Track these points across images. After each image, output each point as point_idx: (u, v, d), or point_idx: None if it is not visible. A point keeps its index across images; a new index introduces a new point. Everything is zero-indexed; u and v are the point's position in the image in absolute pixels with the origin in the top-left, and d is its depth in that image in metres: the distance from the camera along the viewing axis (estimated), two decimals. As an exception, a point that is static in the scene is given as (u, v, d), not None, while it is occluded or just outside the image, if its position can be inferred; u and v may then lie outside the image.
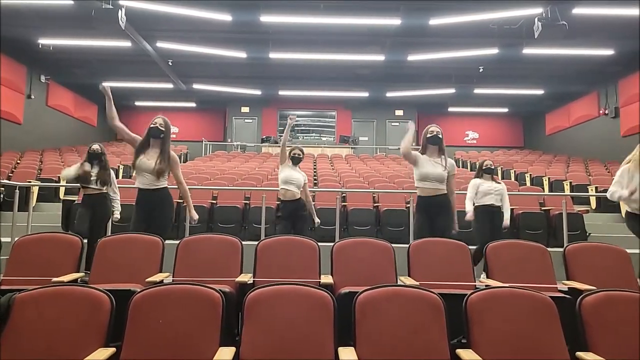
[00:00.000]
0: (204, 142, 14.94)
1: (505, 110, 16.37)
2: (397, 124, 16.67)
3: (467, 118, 17.02)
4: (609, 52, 10.24)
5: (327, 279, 2.68)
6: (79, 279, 2.56)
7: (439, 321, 1.94)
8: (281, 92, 14.81)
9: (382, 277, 2.67)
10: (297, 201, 4.44)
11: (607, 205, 7.74)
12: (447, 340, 1.91)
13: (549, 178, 9.53)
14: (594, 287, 2.32)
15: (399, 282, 2.66)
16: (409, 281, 2.62)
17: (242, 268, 2.84)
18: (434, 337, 1.91)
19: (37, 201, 7.30)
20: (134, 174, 4.06)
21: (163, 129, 3.40)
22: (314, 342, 1.87)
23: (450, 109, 16.33)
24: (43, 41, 10.11)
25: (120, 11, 8.06)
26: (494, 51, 10.51)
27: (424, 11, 9.06)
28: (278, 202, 4.59)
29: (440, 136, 3.51)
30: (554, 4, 8.21)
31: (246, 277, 2.62)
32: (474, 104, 15.70)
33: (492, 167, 4.78)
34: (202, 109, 16.76)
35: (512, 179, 10.64)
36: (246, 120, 16.74)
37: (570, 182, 8.91)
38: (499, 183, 4.81)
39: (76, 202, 6.18)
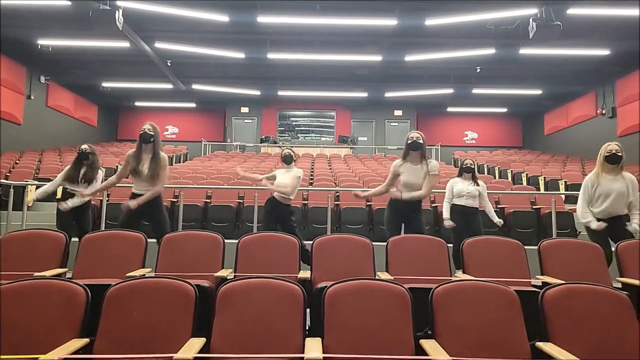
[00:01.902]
0: (203, 142, 15.03)
1: (504, 110, 16.38)
2: (396, 124, 16.72)
3: (467, 118, 17.04)
4: (605, 52, 10.25)
5: (305, 274, 2.73)
6: (63, 274, 2.63)
7: (405, 313, 1.99)
8: (280, 93, 14.88)
9: (360, 272, 2.71)
10: (286, 205, 4.46)
11: (601, 205, 7.74)
12: (413, 331, 1.96)
13: (544, 177, 9.56)
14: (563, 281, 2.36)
15: (376, 277, 2.71)
16: (385, 276, 2.67)
17: (224, 264, 2.90)
18: (400, 328, 1.96)
19: (34, 201, 7.37)
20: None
21: (152, 133, 3.55)
22: (282, 333, 1.93)
23: (450, 109, 16.36)
24: (42, 42, 10.22)
25: (117, 12, 8.14)
26: (491, 51, 10.54)
27: (419, 12, 9.10)
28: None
29: (420, 141, 3.52)
30: (549, 5, 8.24)
31: (226, 272, 2.68)
32: (473, 104, 15.72)
33: (472, 167, 4.70)
34: (202, 110, 16.86)
35: (509, 178, 10.68)
36: (246, 121, 16.83)
37: (565, 182, 8.93)
38: (478, 184, 4.70)
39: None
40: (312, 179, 8.96)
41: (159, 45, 10.66)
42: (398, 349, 1.89)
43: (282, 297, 2.01)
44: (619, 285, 2.70)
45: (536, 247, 3.03)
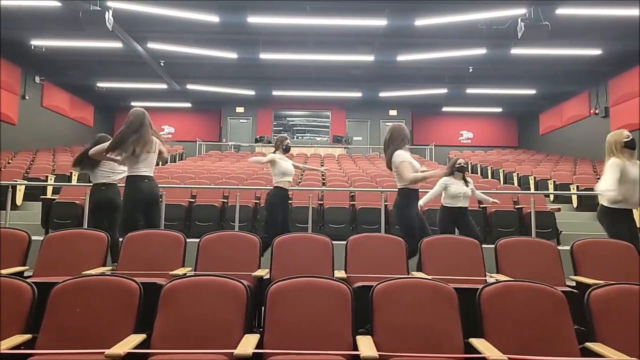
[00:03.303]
0: (197, 142, 15.09)
1: (500, 110, 16.36)
2: (391, 123, 16.69)
3: (462, 118, 17.04)
4: (597, 52, 10.23)
5: (262, 272, 2.77)
6: (22, 272, 2.68)
7: (345, 310, 2.02)
8: (275, 93, 14.93)
9: (317, 271, 2.74)
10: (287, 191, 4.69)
11: (588, 204, 7.76)
12: (352, 327, 1.99)
13: (534, 177, 9.56)
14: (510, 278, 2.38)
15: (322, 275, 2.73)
16: (340, 274, 2.71)
17: (185, 262, 2.94)
18: (341, 324, 1.99)
19: (23, 200, 7.45)
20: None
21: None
22: (222, 330, 1.97)
23: (445, 109, 16.36)
24: (35, 42, 10.30)
25: (107, 13, 8.19)
26: (482, 51, 10.55)
27: (408, 12, 9.12)
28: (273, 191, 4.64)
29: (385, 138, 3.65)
30: (537, 5, 8.24)
31: (184, 271, 2.72)
32: (467, 103, 15.72)
33: (464, 166, 4.69)
34: (197, 110, 16.93)
35: (501, 178, 10.70)
36: (241, 121, 16.88)
37: (554, 181, 8.93)
38: (468, 182, 4.68)
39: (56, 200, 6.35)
40: (300, 179, 8.99)
41: (151, 45, 10.72)
42: (336, 345, 1.92)
43: (225, 294, 2.05)
44: (573, 284, 2.73)
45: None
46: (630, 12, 8.19)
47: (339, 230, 6.20)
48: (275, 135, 16.82)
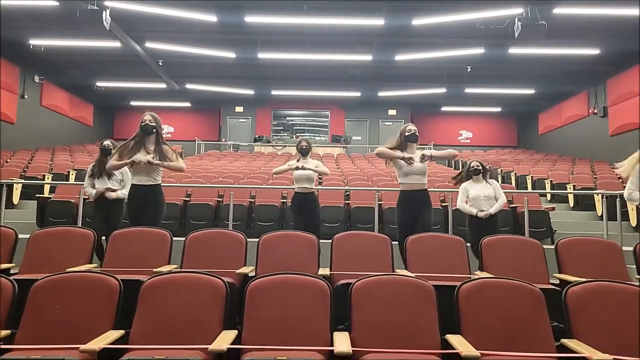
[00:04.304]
0: (196, 142, 15.12)
1: (499, 109, 16.34)
2: (390, 123, 16.72)
3: (461, 117, 17.02)
4: (595, 51, 10.20)
5: (246, 269, 2.78)
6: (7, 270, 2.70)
7: (324, 307, 2.03)
8: (274, 92, 14.94)
9: (303, 268, 2.75)
10: (308, 195, 4.37)
11: (584, 204, 7.75)
12: (330, 324, 2.00)
13: (532, 177, 9.55)
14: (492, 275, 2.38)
15: (319, 273, 2.75)
16: (324, 272, 2.71)
17: (171, 259, 2.96)
18: (319, 321, 2.00)
19: (20, 199, 7.48)
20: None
21: (153, 124, 3.50)
22: (200, 326, 1.98)
23: (444, 109, 16.34)
24: (34, 42, 10.33)
25: (105, 12, 8.21)
26: (481, 51, 10.53)
27: (406, 12, 9.11)
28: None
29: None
30: (534, 4, 8.22)
31: (169, 268, 2.73)
32: (467, 103, 15.69)
33: (479, 168, 4.38)
34: (197, 109, 16.96)
35: (499, 177, 10.68)
36: (240, 120, 16.91)
37: (551, 181, 8.92)
38: (489, 183, 4.43)
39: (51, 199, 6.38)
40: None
41: (149, 45, 10.74)
42: (313, 341, 1.93)
43: (204, 291, 2.06)
44: (557, 282, 2.73)
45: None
46: (628, 11, 8.17)
47: (333, 229, 6.18)
48: (276, 135, 16.90)
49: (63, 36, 10.10)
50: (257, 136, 15.44)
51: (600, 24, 8.91)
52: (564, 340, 1.86)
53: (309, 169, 4.21)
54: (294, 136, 16.99)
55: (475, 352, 1.66)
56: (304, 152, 4.47)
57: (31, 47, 10.49)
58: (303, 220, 4.32)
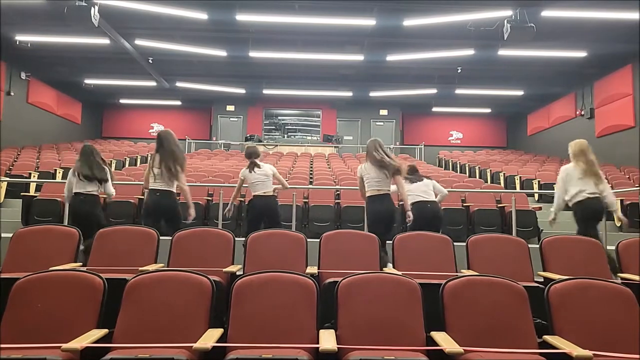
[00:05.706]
0: (187, 141, 15.02)
1: (489, 110, 16.49)
2: (382, 123, 16.79)
3: (452, 118, 17.15)
4: (582, 54, 10.35)
5: (234, 268, 2.77)
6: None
7: (310, 305, 2.04)
8: (265, 91, 14.89)
9: (290, 266, 2.75)
10: (267, 198, 4.43)
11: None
12: (317, 321, 2.00)
13: (520, 177, 9.66)
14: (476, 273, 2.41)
15: (307, 271, 2.75)
16: (312, 270, 2.72)
17: (157, 258, 2.94)
18: (305, 319, 2.00)
19: (5, 197, 7.36)
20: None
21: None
22: (184, 324, 1.97)
23: (435, 109, 16.44)
24: (20, 37, 10.17)
25: (93, 8, 8.11)
26: (471, 52, 10.62)
27: (397, 12, 9.15)
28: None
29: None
30: (523, 7, 8.31)
31: (155, 267, 2.71)
32: (457, 104, 15.82)
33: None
34: (187, 108, 16.85)
35: (488, 177, 10.79)
36: (232, 119, 16.83)
37: (539, 181, 9.02)
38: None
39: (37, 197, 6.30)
40: (287, 177, 8.98)
41: (139, 42, 10.64)
42: (299, 338, 1.93)
43: (189, 289, 2.05)
44: (541, 279, 2.76)
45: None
46: (614, 15, 8.31)
47: (323, 228, 6.20)
48: (267, 134, 16.86)
49: (50, 32, 9.96)
50: (248, 135, 15.39)
51: (587, 27, 9.05)
52: (546, 337, 1.88)
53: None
54: (286, 135, 17.00)
55: (459, 349, 1.68)
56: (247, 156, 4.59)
57: (17, 43, 10.33)
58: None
